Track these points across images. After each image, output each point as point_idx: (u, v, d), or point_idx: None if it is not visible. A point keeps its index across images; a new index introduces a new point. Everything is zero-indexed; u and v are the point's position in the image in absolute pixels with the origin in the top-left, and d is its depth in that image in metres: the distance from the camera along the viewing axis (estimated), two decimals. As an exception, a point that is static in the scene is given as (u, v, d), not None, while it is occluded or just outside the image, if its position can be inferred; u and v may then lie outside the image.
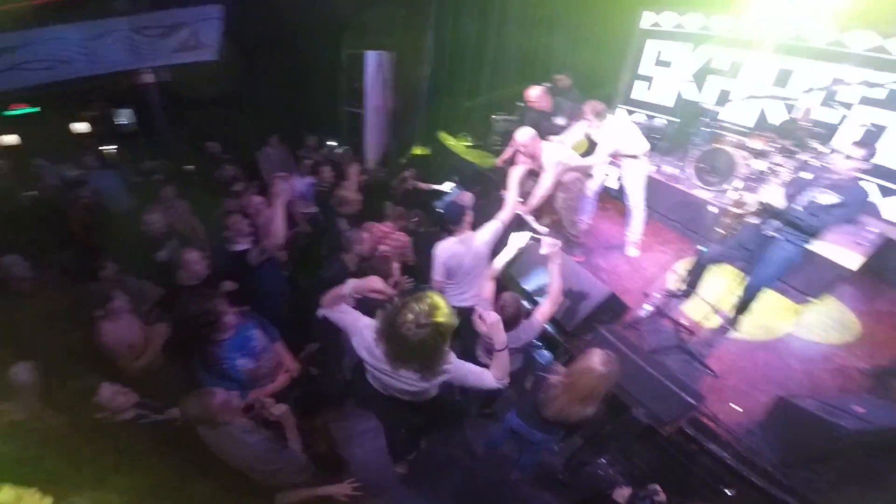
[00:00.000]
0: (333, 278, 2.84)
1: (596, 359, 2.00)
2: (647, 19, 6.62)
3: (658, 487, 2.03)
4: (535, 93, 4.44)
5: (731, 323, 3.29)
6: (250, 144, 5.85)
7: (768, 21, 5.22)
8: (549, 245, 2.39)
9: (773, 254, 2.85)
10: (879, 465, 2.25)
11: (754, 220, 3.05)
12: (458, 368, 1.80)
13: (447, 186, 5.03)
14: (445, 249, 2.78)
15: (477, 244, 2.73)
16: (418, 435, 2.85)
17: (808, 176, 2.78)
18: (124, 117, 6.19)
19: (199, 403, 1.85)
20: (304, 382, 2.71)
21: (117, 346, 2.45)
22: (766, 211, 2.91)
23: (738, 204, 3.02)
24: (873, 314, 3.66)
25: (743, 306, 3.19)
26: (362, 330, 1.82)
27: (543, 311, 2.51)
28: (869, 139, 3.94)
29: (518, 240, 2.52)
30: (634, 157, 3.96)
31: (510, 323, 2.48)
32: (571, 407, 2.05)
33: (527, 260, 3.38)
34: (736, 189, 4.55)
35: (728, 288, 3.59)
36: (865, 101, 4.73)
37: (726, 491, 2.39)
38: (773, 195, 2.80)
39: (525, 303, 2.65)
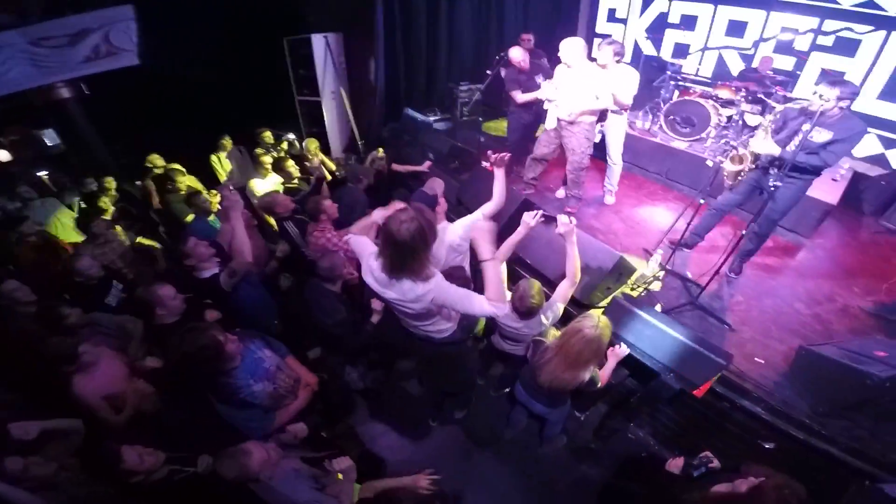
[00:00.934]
0: (342, 324, 2.63)
1: (587, 322, 1.99)
2: None
3: (710, 454, 2.02)
4: (518, 54, 4.30)
5: (735, 271, 3.36)
6: (202, 150, 5.28)
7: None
8: (564, 224, 2.29)
9: (779, 196, 2.87)
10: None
11: (751, 168, 3.07)
12: (443, 285, 1.87)
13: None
14: None
15: (450, 238, 2.52)
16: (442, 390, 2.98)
17: (796, 121, 2.79)
18: (48, 138, 5.43)
19: (236, 465, 1.71)
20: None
21: (93, 399, 2.18)
22: (765, 159, 2.92)
23: (736, 159, 3.00)
24: (859, 246, 3.88)
25: (749, 252, 3.26)
26: (368, 257, 1.96)
27: (562, 292, 2.44)
28: (838, 77, 4.03)
29: (528, 219, 2.38)
30: (619, 112, 3.93)
31: (531, 311, 2.40)
32: (562, 372, 2.06)
33: (538, 241, 3.26)
34: (726, 143, 4.64)
35: (727, 235, 3.64)
36: (817, 47, 4.98)
37: (765, 445, 2.42)
38: (766, 144, 2.82)
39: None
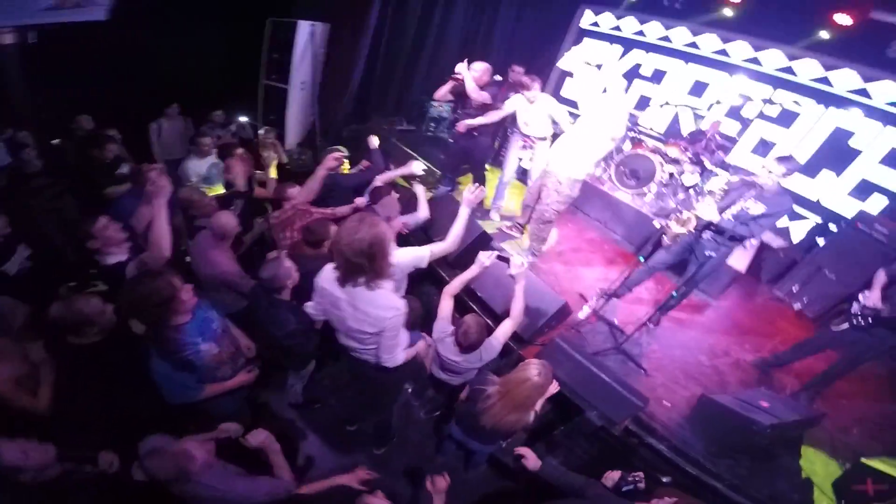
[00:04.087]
0: (293, 335, 2.44)
1: (533, 370, 2.07)
2: (587, 18, 6.79)
3: (642, 475, 2.18)
4: (441, 93, 4.34)
5: (654, 322, 3.64)
6: (145, 119, 4.86)
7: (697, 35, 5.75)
8: (516, 266, 2.39)
9: (707, 260, 3.15)
10: (776, 451, 2.73)
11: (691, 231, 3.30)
12: (396, 302, 1.97)
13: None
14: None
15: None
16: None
17: (737, 192, 3.10)
18: None
19: (173, 466, 1.60)
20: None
21: (5, 386, 1.92)
22: (704, 223, 3.18)
23: (681, 221, 3.27)
24: (752, 309, 4.42)
25: (669, 307, 3.53)
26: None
27: (505, 330, 2.53)
28: (786, 154, 4.49)
29: (484, 258, 2.46)
30: (544, 139, 4.30)
31: (473, 346, 2.48)
32: (506, 416, 2.13)
33: (489, 274, 3.27)
34: (663, 200, 4.99)
35: (650, 289, 3.98)
36: (762, 116, 5.37)
37: (662, 479, 2.64)
38: (708, 209, 3.09)
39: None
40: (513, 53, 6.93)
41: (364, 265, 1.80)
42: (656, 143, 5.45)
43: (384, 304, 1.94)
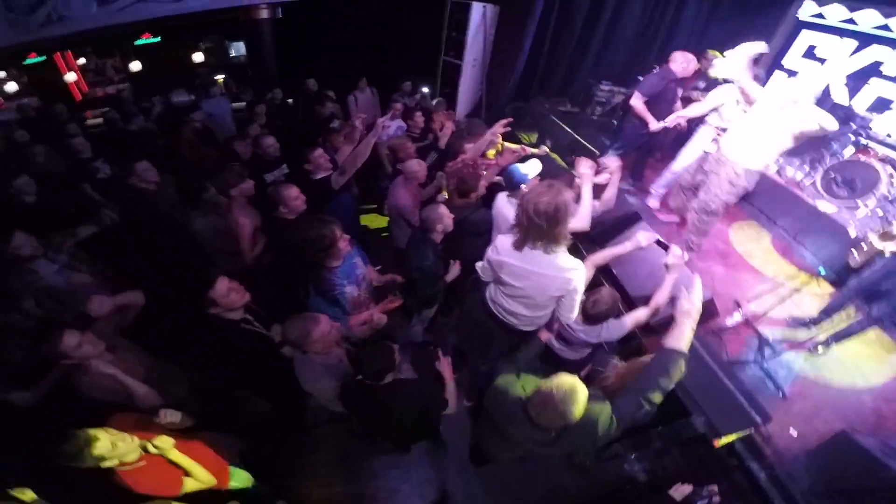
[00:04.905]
0: (423, 270, 2.76)
1: None
2: (807, 9, 5.78)
3: (716, 489, 2.00)
4: (686, 60, 3.94)
5: (823, 345, 2.99)
6: (346, 85, 6.04)
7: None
8: (675, 256, 2.22)
9: None
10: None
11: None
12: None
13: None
14: (497, 203, 2.78)
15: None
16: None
17: None
18: (235, 50, 6.59)
19: (302, 328, 1.88)
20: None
21: (247, 228, 2.78)
22: None
23: (887, 235, 2.55)
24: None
25: (848, 333, 2.88)
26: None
27: (638, 316, 2.37)
28: None
29: (642, 238, 2.38)
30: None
31: (598, 318, 2.38)
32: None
33: (633, 256, 3.10)
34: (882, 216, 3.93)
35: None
36: None
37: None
38: None
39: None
40: (700, 48, 6.16)
41: (543, 228, 1.85)
42: (890, 151, 4.29)
43: (564, 265, 1.96)
